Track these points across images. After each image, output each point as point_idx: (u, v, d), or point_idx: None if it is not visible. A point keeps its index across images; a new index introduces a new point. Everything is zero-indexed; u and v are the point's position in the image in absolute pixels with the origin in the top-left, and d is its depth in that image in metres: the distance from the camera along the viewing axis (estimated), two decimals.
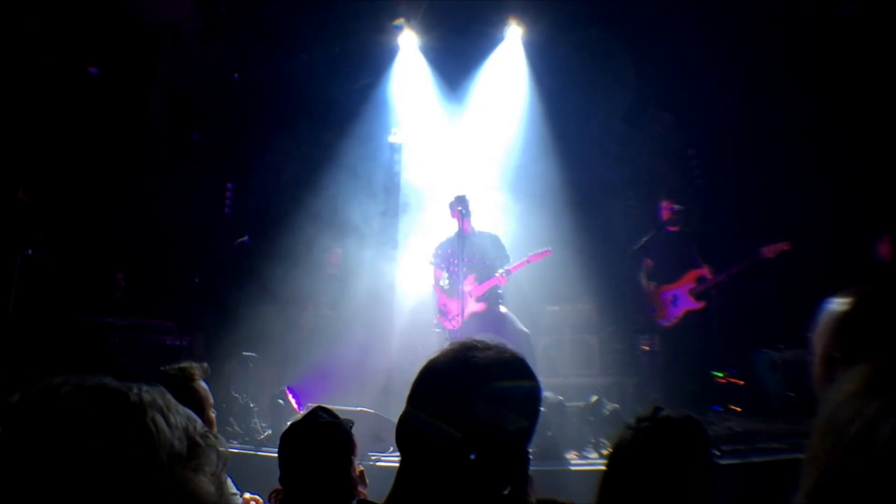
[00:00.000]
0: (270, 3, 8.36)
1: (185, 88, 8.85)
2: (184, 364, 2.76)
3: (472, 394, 1.19)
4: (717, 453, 1.89)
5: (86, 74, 8.08)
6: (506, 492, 1.23)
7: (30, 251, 6.37)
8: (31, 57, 7.45)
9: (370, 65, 8.69)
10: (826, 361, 1.55)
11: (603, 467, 1.87)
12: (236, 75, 8.84)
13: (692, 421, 1.83)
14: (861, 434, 0.85)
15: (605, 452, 1.92)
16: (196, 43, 8.77)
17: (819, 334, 1.58)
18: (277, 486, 2.41)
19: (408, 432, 1.22)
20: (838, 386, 0.93)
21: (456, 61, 8.68)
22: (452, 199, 6.58)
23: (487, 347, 1.27)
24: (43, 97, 7.60)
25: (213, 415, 2.76)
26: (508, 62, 8.61)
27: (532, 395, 1.27)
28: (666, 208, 6.79)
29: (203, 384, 2.75)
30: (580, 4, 7.84)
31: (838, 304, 1.57)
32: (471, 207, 6.50)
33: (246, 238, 7.34)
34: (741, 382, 7.17)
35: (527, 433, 1.27)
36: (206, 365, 2.87)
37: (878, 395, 0.87)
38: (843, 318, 1.55)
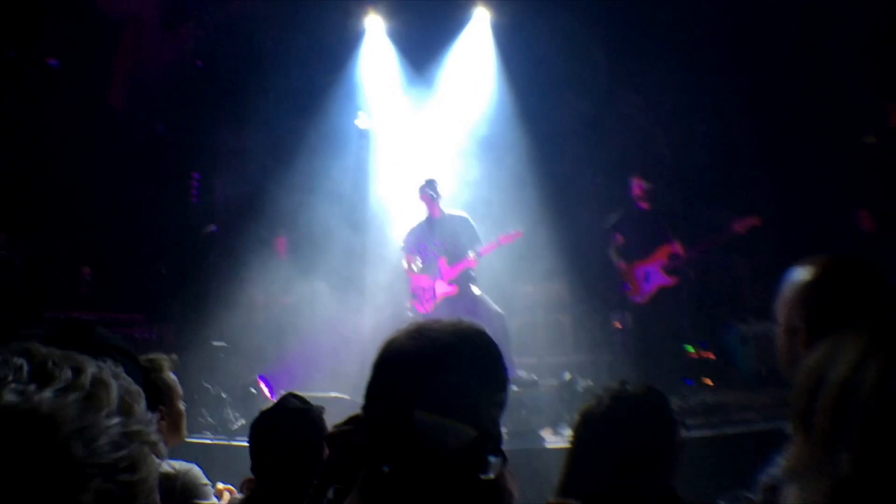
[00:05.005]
0: None
1: (147, 78, 8.68)
2: (151, 355, 2.71)
3: (444, 376, 1.13)
4: (685, 424, 1.92)
5: (46, 67, 7.88)
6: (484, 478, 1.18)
7: None
8: None
9: (336, 50, 8.59)
10: (789, 331, 1.56)
11: (570, 437, 1.90)
12: (199, 63, 8.68)
13: (655, 392, 1.86)
14: (847, 380, 0.85)
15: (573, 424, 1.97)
16: (158, 31, 8.61)
17: (782, 304, 1.60)
18: (250, 475, 2.39)
19: (397, 431, 1.12)
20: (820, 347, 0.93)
21: (423, 45, 8.61)
22: (422, 182, 6.55)
23: (441, 322, 1.23)
24: (2, 91, 7.41)
25: (182, 406, 2.72)
26: (476, 45, 8.56)
27: (499, 363, 1.23)
28: (637, 186, 6.84)
29: (171, 375, 2.70)
30: None
31: (801, 273, 1.58)
32: (440, 191, 6.47)
33: (213, 227, 7.26)
34: (712, 356, 7.28)
35: (501, 410, 1.22)
36: (174, 356, 2.83)
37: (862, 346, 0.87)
38: (806, 288, 1.56)
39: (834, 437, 0.85)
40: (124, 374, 0.72)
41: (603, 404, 1.84)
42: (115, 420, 0.66)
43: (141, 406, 0.70)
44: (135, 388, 0.71)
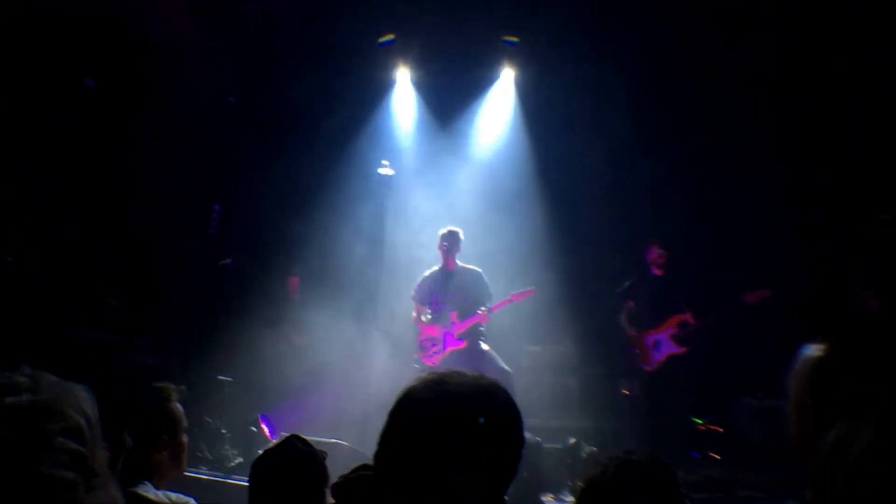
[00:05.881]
0: (270, 30, 8.46)
1: (179, 107, 8.86)
2: (160, 384, 2.71)
3: (453, 424, 1.13)
4: (690, 497, 1.89)
5: (80, 87, 8.06)
6: None
7: (9, 259, 6.27)
8: (18, 64, 7.41)
9: (364, 97, 8.78)
10: (799, 408, 1.57)
11: None
12: (232, 98, 8.88)
13: (661, 463, 1.84)
14: (866, 455, 0.89)
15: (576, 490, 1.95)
16: (194, 62, 8.82)
17: (793, 381, 1.61)
18: None
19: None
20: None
21: (449, 98, 8.80)
22: (443, 232, 6.60)
23: (464, 375, 1.23)
24: (34, 106, 7.57)
25: (185, 439, 2.70)
26: (501, 101, 8.75)
27: (518, 425, 1.22)
28: (653, 252, 6.86)
29: (178, 406, 2.70)
30: (572, 47, 7.98)
31: (812, 351, 1.60)
32: (458, 244, 6.52)
33: (229, 260, 7.31)
34: (720, 430, 7.15)
35: (510, 472, 1.20)
36: (183, 388, 2.82)
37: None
38: (816, 366, 1.57)
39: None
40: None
41: (608, 473, 1.81)
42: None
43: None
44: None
